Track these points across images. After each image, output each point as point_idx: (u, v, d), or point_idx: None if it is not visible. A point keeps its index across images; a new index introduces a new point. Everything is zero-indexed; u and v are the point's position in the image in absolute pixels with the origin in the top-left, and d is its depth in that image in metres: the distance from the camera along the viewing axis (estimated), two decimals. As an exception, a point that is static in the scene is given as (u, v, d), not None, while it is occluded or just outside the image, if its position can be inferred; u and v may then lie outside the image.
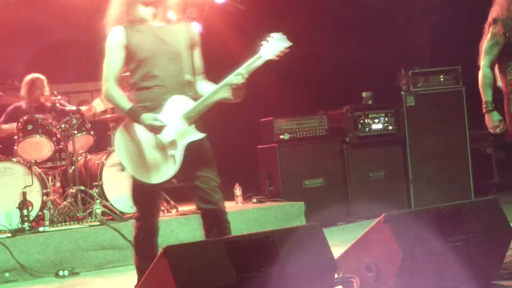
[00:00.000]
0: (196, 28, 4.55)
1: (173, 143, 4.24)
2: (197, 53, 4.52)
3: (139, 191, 4.37)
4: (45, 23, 8.78)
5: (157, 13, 4.38)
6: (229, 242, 3.58)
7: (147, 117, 4.20)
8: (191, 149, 4.25)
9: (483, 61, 4.98)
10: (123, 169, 4.35)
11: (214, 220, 4.38)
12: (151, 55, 4.30)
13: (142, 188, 4.31)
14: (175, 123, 4.25)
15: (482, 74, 4.99)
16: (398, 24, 9.72)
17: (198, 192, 4.39)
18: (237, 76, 4.20)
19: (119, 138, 4.34)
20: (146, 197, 4.39)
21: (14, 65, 8.70)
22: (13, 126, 7.46)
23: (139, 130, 4.27)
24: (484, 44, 4.99)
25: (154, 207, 4.51)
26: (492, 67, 4.99)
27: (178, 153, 4.24)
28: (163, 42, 4.34)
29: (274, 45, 4.30)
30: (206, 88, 4.40)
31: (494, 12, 4.91)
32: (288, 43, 4.34)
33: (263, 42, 4.34)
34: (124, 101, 4.29)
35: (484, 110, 5.10)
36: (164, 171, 4.25)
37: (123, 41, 4.31)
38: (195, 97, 4.33)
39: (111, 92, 4.31)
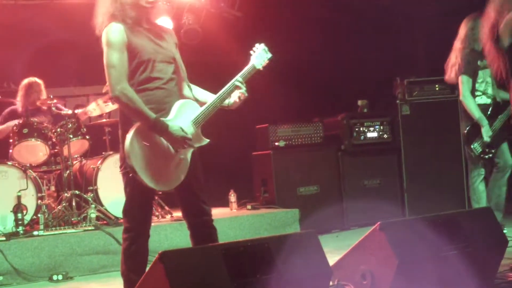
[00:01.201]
0: (174, 34, 4.49)
1: (187, 148, 4.16)
2: (180, 58, 4.40)
3: (141, 199, 4.17)
4: (42, 26, 8.77)
5: (149, 17, 4.22)
6: (225, 248, 3.58)
7: (176, 128, 4.05)
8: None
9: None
10: (134, 175, 4.10)
11: (203, 230, 4.34)
12: (152, 57, 4.12)
13: (144, 196, 4.16)
14: (186, 128, 4.15)
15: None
16: (394, 33, 9.75)
17: (187, 203, 4.31)
18: (238, 84, 4.28)
19: (132, 142, 4.00)
20: (147, 206, 4.26)
21: (10, 68, 8.68)
22: (9, 125, 7.45)
23: (152, 135, 4.06)
24: None
25: (150, 217, 4.36)
26: None
27: (187, 158, 4.16)
28: (159, 46, 4.19)
29: (261, 56, 4.49)
30: (200, 93, 4.40)
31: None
32: (269, 55, 4.51)
33: (251, 52, 4.48)
34: (146, 108, 4.01)
35: None
36: (175, 177, 4.14)
37: (125, 39, 4.05)
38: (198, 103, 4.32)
39: (129, 94, 4.00)
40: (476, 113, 6.57)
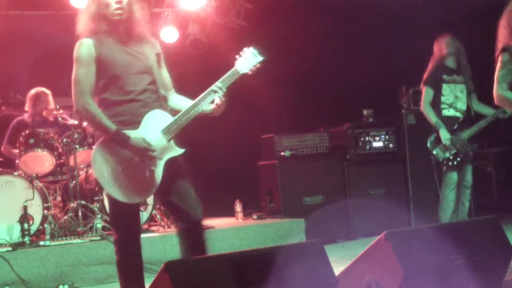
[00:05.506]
0: (158, 44, 4.46)
1: (153, 159, 4.11)
2: (164, 68, 4.42)
3: (122, 210, 4.16)
4: (48, 37, 8.80)
5: (123, 29, 4.23)
6: (230, 258, 3.58)
7: (138, 139, 4.06)
8: (167, 165, 4.15)
9: (500, 90, 4.84)
10: (100, 188, 4.16)
11: (194, 239, 4.24)
12: (124, 69, 4.15)
13: (125, 207, 4.13)
14: (155, 138, 4.13)
15: (506, 98, 4.85)
16: (399, 42, 9.76)
17: (177, 209, 4.25)
18: (215, 89, 4.16)
19: (96, 156, 4.12)
20: (130, 216, 4.22)
21: (16, 79, 8.72)
22: (15, 154, 7.50)
23: (117, 147, 4.10)
24: (496, 73, 4.91)
25: (138, 225, 4.35)
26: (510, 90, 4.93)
27: (158, 169, 4.11)
28: (134, 57, 4.22)
29: (248, 60, 4.33)
30: (180, 102, 4.33)
31: (500, 43, 4.88)
32: (260, 58, 4.36)
33: (237, 56, 4.35)
34: (107, 121, 4.08)
35: None
36: (145, 189, 4.12)
37: (94, 54, 4.14)
38: (172, 113, 4.24)
39: (90, 109, 4.10)
40: (433, 119, 6.95)
